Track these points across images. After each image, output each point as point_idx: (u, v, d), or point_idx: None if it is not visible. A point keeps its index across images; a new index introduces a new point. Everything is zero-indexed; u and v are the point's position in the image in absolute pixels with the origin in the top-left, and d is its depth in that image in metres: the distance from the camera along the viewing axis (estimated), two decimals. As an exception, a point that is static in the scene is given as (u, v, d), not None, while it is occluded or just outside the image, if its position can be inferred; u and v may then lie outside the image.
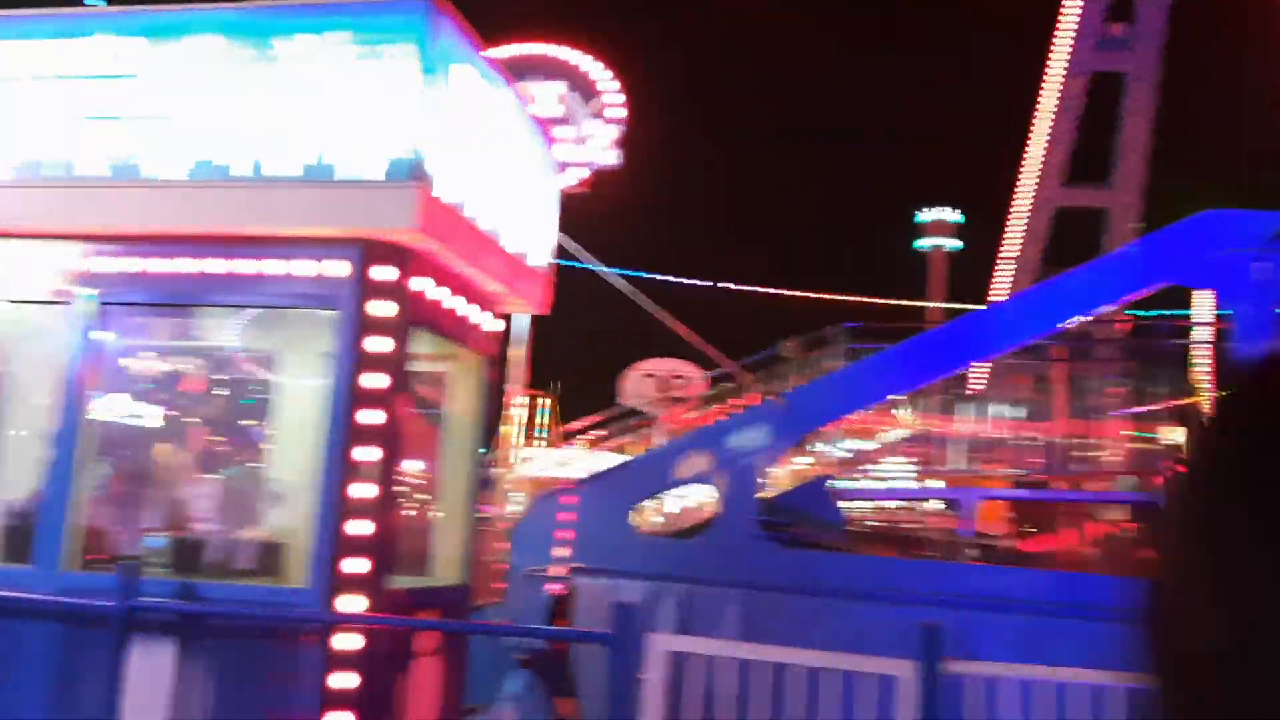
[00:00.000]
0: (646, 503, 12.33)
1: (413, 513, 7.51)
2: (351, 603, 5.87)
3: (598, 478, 12.17)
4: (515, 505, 14.48)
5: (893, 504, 27.34)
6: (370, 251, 6.12)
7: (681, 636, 5.31)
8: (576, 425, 17.90)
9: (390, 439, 6.16)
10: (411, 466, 7.89)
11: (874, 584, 9.11)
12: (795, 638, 6.28)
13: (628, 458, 16.90)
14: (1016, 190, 44.56)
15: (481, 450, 8.10)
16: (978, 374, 30.82)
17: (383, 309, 6.14)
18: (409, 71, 5.98)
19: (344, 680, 5.77)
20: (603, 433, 19.98)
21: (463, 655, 7.48)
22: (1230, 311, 9.90)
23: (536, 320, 14.78)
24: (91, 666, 5.96)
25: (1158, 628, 0.86)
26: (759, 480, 10.77)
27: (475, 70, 6.65)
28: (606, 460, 17.10)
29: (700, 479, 11.41)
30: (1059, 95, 43.42)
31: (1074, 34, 42.71)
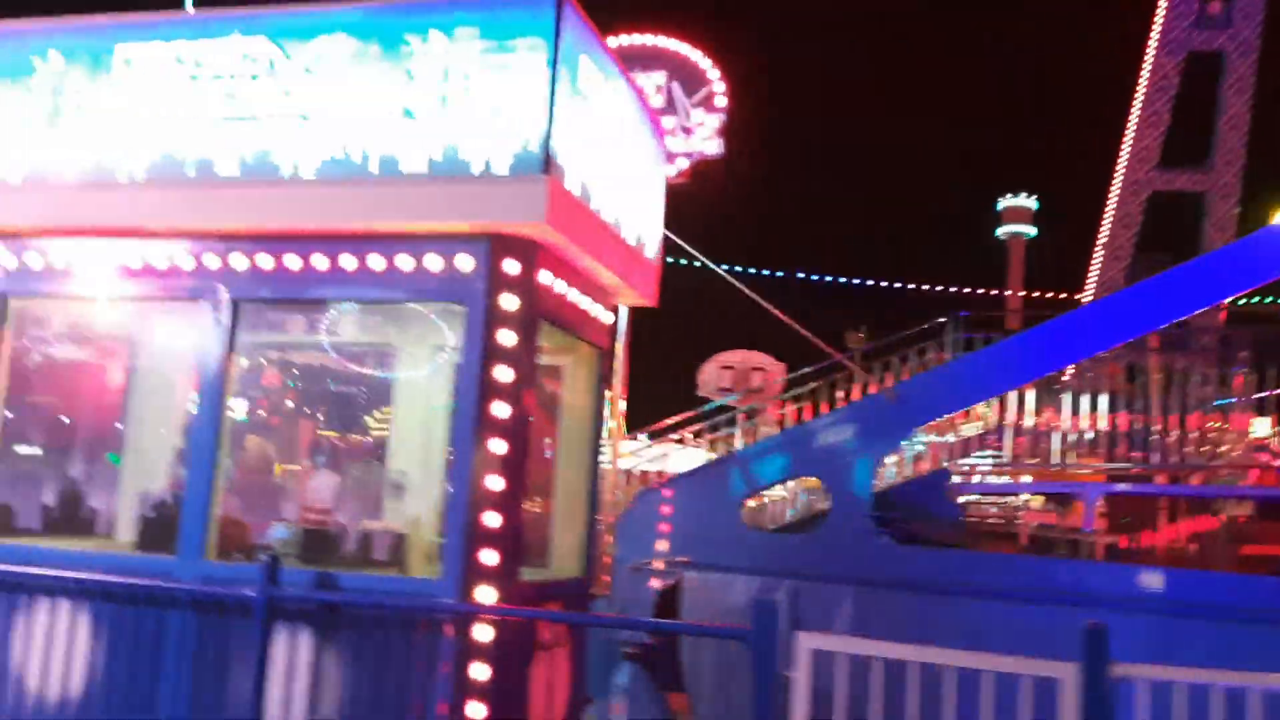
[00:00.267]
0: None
1: (534, 505, 7.55)
2: (485, 594, 5.92)
3: (703, 471, 12.11)
4: (619, 499, 14.51)
5: (992, 500, 26.37)
6: (499, 245, 6.15)
7: (830, 635, 5.22)
8: (668, 421, 17.83)
9: (518, 431, 6.19)
10: (534, 458, 7.93)
11: (1027, 586, 8.93)
12: (912, 637, 6.14)
13: (715, 455, 16.78)
14: (1112, 175, 43.48)
15: (599, 442, 8.10)
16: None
17: (511, 302, 6.17)
18: (537, 65, 5.99)
19: (480, 671, 5.82)
20: (692, 429, 19.83)
21: (583, 648, 7.51)
22: None
23: (633, 314, 14.79)
24: (232, 654, 6.10)
25: None
26: (872, 474, 10.61)
27: (597, 62, 6.64)
28: (699, 456, 17.02)
29: (808, 472, 11.30)
30: (1153, 76, 42.21)
31: (1168, 13, 41.46)
